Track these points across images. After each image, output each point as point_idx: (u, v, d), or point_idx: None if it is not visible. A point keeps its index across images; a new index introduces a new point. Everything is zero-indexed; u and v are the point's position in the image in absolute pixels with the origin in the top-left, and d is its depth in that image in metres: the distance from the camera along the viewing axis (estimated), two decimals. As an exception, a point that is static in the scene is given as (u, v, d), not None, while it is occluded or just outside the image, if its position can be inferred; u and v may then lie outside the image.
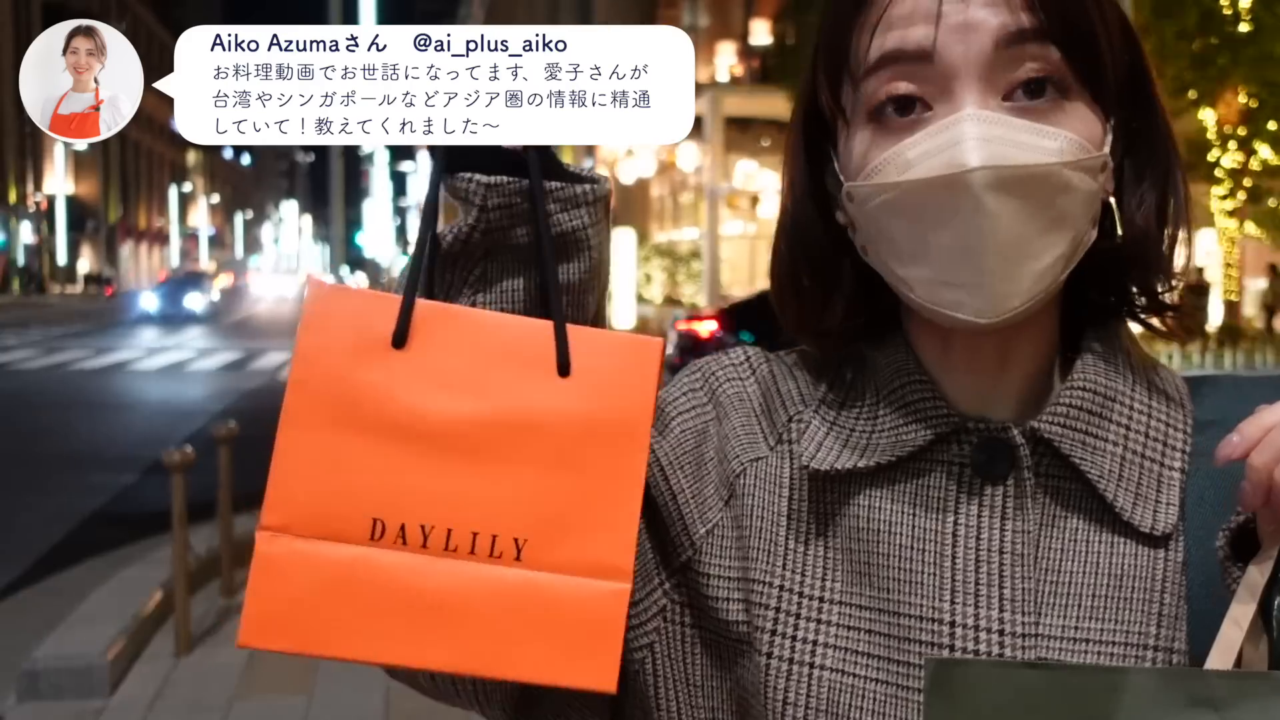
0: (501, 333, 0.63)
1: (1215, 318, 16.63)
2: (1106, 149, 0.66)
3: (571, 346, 0.63)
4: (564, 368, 0.62)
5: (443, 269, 0.68)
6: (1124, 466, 0.68)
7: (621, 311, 22.85)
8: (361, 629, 0.59)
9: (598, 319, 0.71)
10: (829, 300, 0.74)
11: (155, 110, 74.98)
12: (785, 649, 0.69)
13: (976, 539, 0.67)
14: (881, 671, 0.67)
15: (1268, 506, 0.59)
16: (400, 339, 0.62)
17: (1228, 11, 13.82)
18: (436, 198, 0.66)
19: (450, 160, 0.66)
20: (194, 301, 30.49)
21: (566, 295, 0.67)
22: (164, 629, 4.71)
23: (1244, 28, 13.91)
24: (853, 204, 0.68)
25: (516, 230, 0.67)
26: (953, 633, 0.66)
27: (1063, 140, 0.63)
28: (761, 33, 20.17)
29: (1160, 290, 0.71)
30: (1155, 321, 0.72)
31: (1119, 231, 0.69)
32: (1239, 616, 0.58)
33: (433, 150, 0.66)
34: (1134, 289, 0.71)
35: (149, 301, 30.19)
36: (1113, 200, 0.69)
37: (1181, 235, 0.71)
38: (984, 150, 0.62)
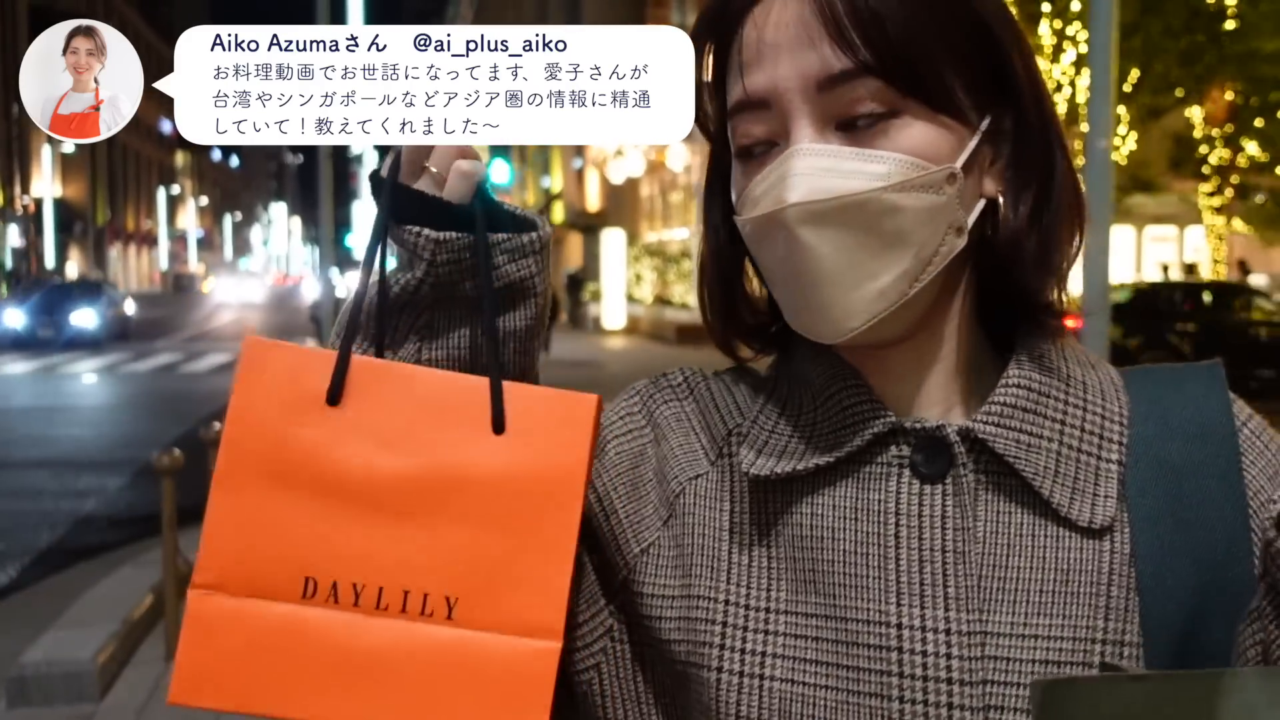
0: (437, 389, 0.63)
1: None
2: (961, 158, 0.67)
3: (507, 403, 0.63)
4: (498, 424, 0.63)
5: (389, 316, 0.69)
6: (1060, 462, 0.68)
7: (612, 311, 22.86)
8: (293, 687, 0.60)
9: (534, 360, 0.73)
10: (756, 319, 0.77)
11: (144, 112, 74.37)
12: (735, 663, 0.69)
13: (919, 539, 0.67)
14: (830, 678, 0.67)
15: None
16: (334, 396, 0.62)
17: (1214, 8, 13.89)
18: (379, 247, 0.67)
19: (396, 208, 0.68)
20: (84, 319, 21.37)
21: (514, 343, 0.70)
22: (154, 633, 4.68)
23: (1230, 25, 13.98)
24: (745, 235, 0.71)
25: (464, 283, 0.69)
26: (899, 634, 0.66)
27: (891, 163, 0.65)
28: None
29: (1038, 288, 0.71)
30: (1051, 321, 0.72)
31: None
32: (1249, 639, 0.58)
33: (376, 197, 0.68)
34: (1017, 286, 0.71)
35: (13, 318, 21.08)
36: (1002, 199, 0.70)
37: (1067, 234, 0.71)
38: (802, 185, 0.64)
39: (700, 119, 0.73)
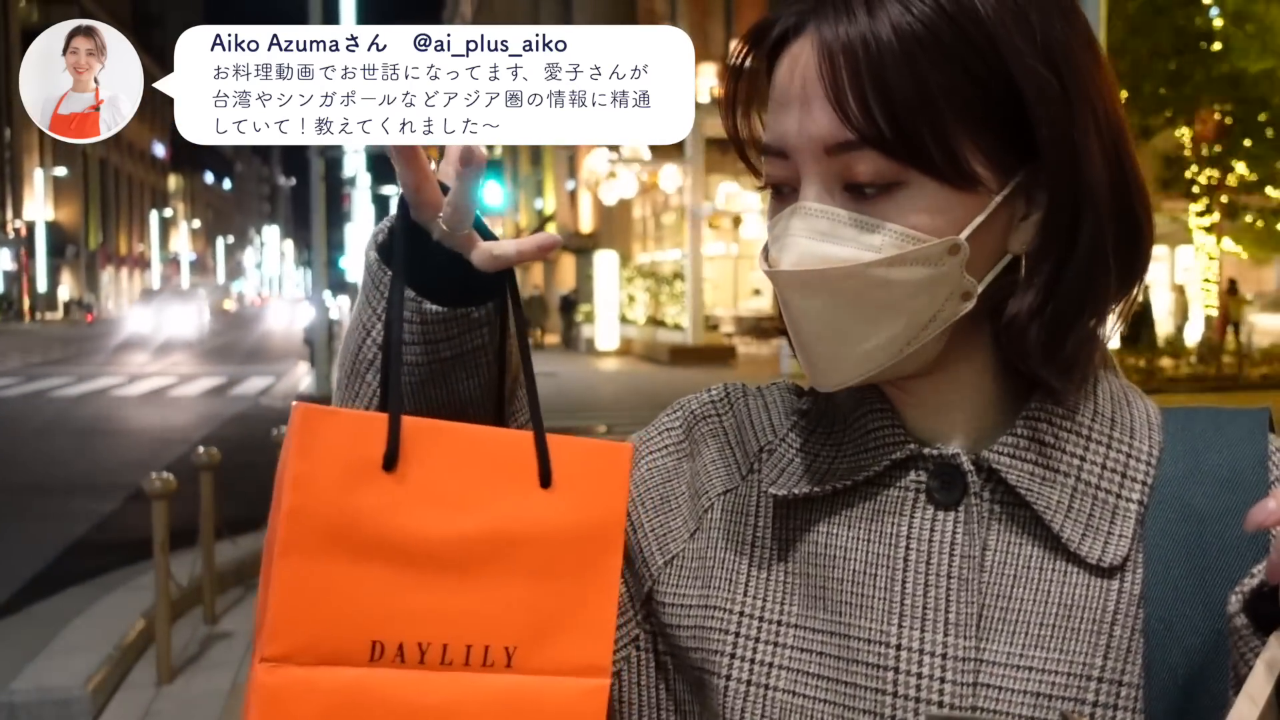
0: (485, 446, 0.66)
1: (1195, 332, 16.76)
2: (968, 229, 0.64)
3: (550, 456, 0.66)
4: (545, 479, 0.66)
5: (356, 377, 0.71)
6: (1075, 497, 0.68)
7: (605, 333, 22.88)
8: None
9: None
10: None
11: (136, 136, 74.86)
12: (743, 672, 0.71)
13: (927, 564, 0.68)
14: (830, 692, 0.68)
15: None
16: (390, 461, 0.63)
17: (1200, 29, 14.03)
18: (372, 304, 0.69)
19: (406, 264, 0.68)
20: None
21: (470, 409, 0.71)
22: (146, 658, 4.65)
23: (1216, 46, 14.12)
24: None
25: (414, 349, 0.69)
26: (897, 655, 0.67)
27: (886, 235, 0.64)
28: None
29: (1045, 373, 0.68)
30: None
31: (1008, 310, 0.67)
32: (1255, 693, 0.56)
33: (387, 263, 0.68)
34: (1025, 356, 0.68)
35: None
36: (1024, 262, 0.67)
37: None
38: (795, 249, 0.65)
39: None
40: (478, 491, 0.64)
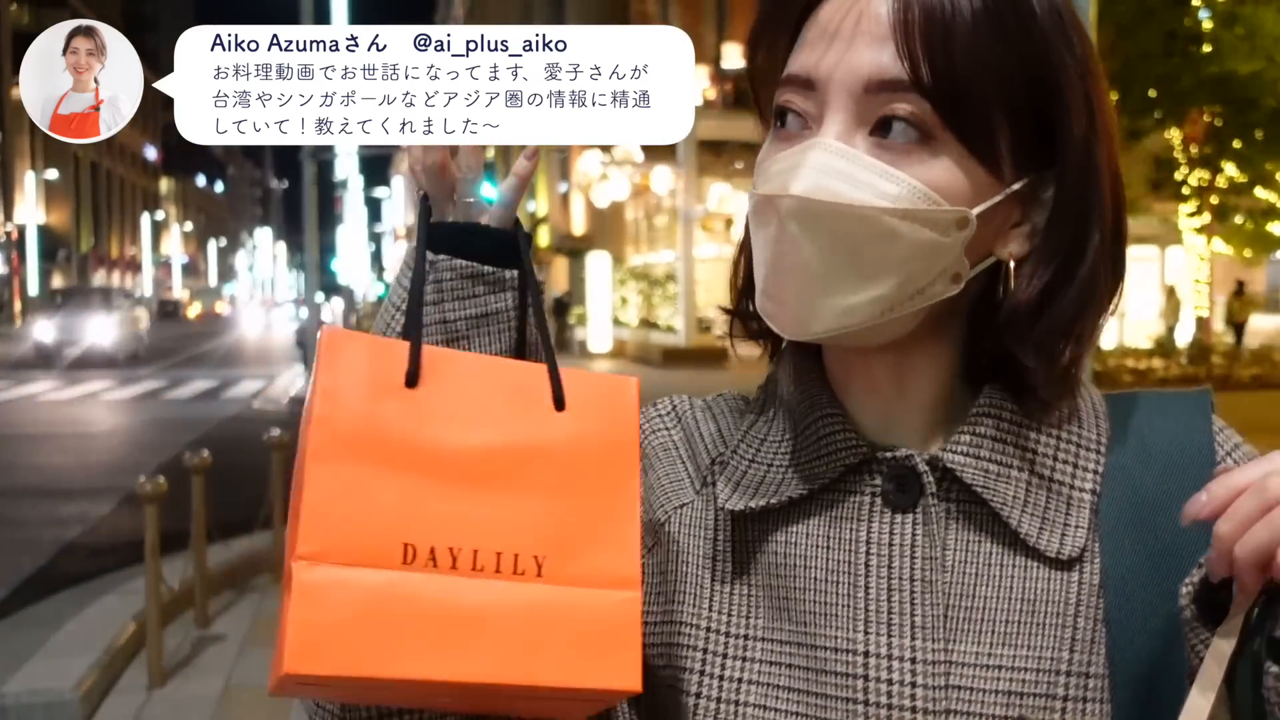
0: (500, 373, 0.68)
1: (1186, 333, 16.83)
2: (980, 207, 0.64)
3: (563, 384, 0.68)
4: (559, 402, 0.68)
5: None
6: (1030, 491, 0.67)
7: (598, 334, 22.88)
8: (401, 649, 0.61)
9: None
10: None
11: (128, 139, 74.63)
12: (712, 689, 0.70)
13: (888, 568, 0.67)
14: (801, 705, 0.68)
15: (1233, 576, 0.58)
16: (413, 379, 0.65)
17: (1189, 31, 14.08)
18: (423, 263, 0.71)
19: (433, 238, 0.72)
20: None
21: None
22: (137, 661, 4.62)
23: (1205, 48, 14.17)
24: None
25: (444, 305, 0.72)
26: (866, 663, 0.66)
27: (905, 187, 0.63)
28: (734, 56, 20.36)
29: (1034, 373, 0.67)
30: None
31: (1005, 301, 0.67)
32: (1206, 686, 0.57)
33: (421, 214, 0.72)
34: (1006, 350, 0.68)
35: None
36: (1013, 266, 0.67)
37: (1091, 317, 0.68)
38: (809, 180, 0.63)
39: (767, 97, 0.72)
40: (496, 410, 0.67)
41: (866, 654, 0.66)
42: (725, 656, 0.70)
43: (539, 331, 0.73)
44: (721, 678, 0.70)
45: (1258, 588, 0.57)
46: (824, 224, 0.63)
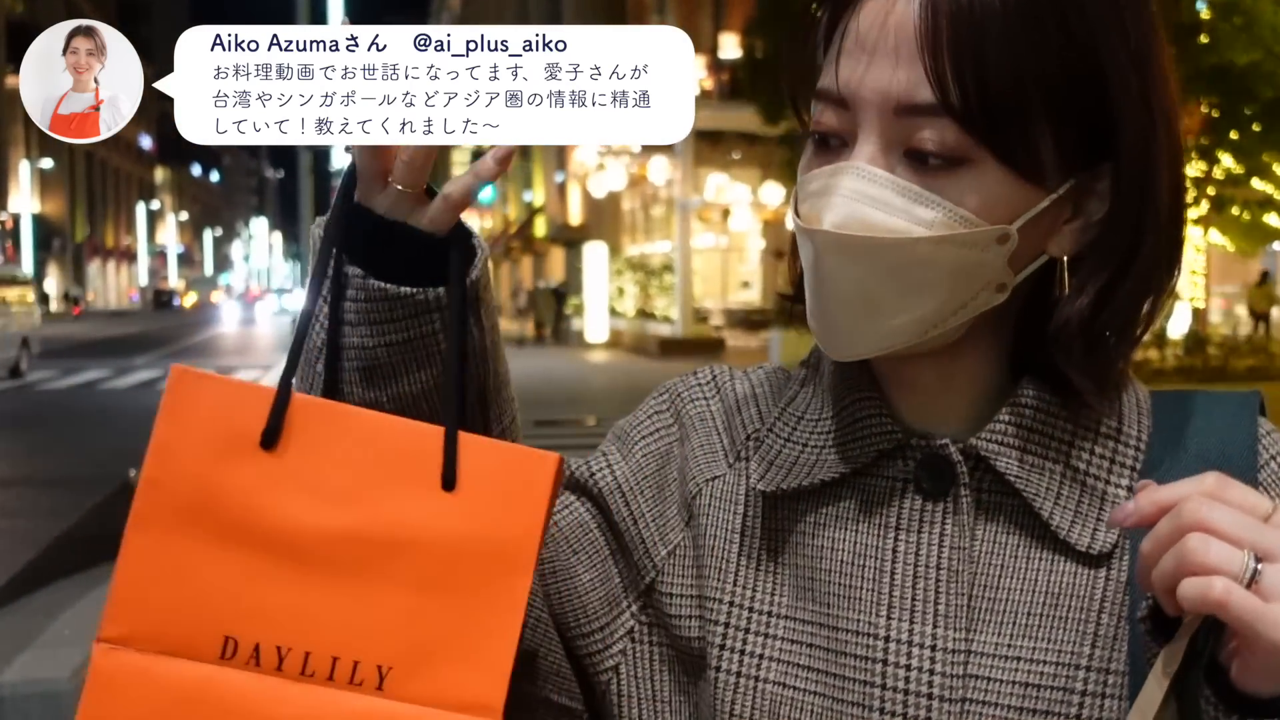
0: (385, 436, 0.59)
1: (1182, 325, 16.86)
2: (1021, 220, 0.63)
3: (461, 457, 0.58)
4: (449, 481, 0.58)
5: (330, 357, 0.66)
6: (1063, 485, 0.67)
7: (594, 325, 22.85)
8: None
9: (484, 393, 0.69)
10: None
11: (122, 129, 74.19)
12: (733, 663, 0.70)
13: (915, 555, 0.67)
14: (820, 685, 0.68)
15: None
16: (270, 439, 0.57)
17: (1187, 22, 14.06)
18: (320, 287, 0.64)
19: (347, 239, 0.65)
20: None
21: (422, 404, 0.65)
22: (136, 651, 4.63)
23: (1203, 39, 14.16)
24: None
25: (360, 330, 0.65)
26: (886, 647, 0.66)
27: (940, 212, 0.62)
28: (731, 46, 20.31)
29: (1083, 376, 0.67)
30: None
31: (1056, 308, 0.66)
32: (1145, 706, 0.56)
33: (326, 234, 0.64)
34: (1055, 355, 0.67)
35: None
36: (1066, 265, 0.66)
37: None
38: (841, 209, 0.62)
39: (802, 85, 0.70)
40: (367, 484, 0.57)
41: (887, 639, 0.66)
42: (747, 631, 0.70)
43: (446, 380, 0.63)
44: (742, 652, 0.70)
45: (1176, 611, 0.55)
46: (858, 255, 0.63)
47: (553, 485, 0.59)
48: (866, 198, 0.62)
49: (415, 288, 0.64)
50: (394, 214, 0.65)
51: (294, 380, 0.62)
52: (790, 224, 0.68)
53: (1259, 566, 0.52)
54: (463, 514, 0.58)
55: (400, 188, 0.64)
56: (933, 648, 0.66)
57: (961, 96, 0.61)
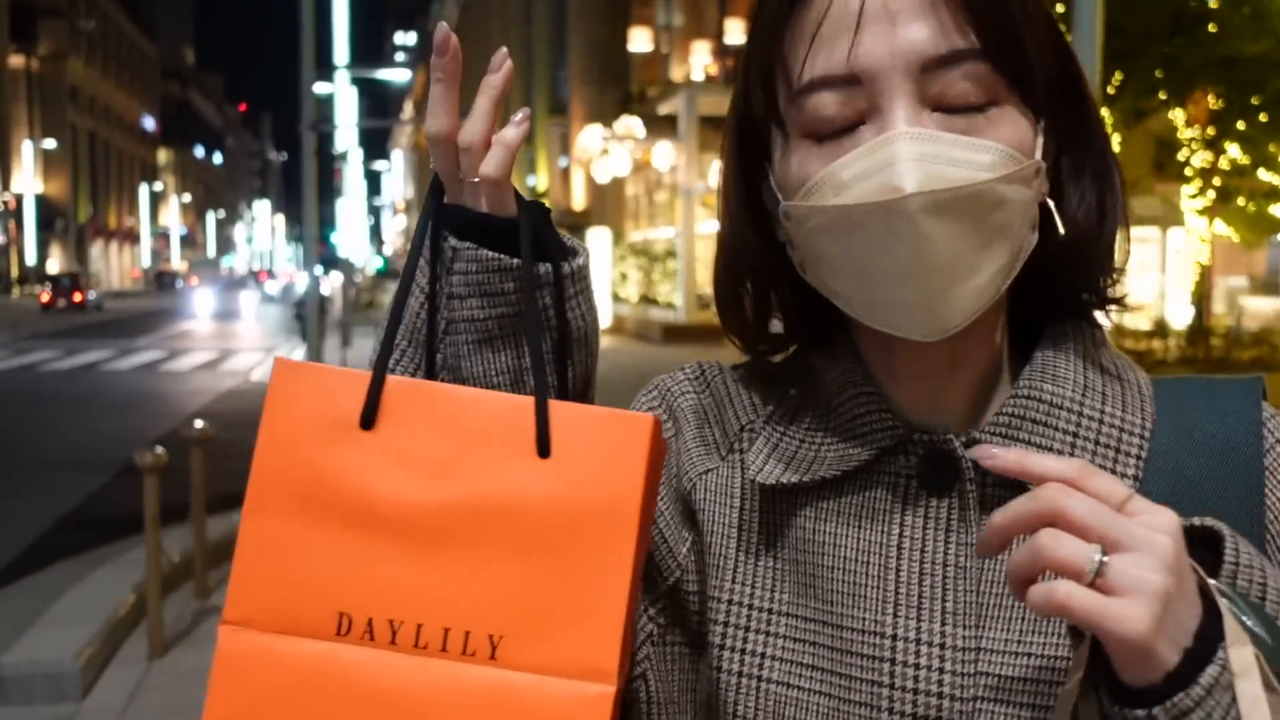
0: (477, 410, 0.59)
1: (1184, 316, 16.83)
2: (1039, 154, 0.65)
3: (554, 424, 0.58)
4: (544, 448, 0.58)
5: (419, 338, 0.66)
6: None
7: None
8: None
9: (587, 387, 0.69)
10: (768, 315, 0.75)
11: (125, 109, 74.19)
12: (735, 663, 0.69)
13: (920, 552, 0.66)
14: (825, 684, 0.67)
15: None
16: (368, 420, 0.58)
17: (1195, 11, 13.96)
18: (418, 257, 0.65)
19: (446, 221, 0.65)
20: None
21: (530, 377, 0.65)
22: (137, 632, 4.65)
23: (1211, 28, 14.07)
24: (790, 222, 0.67)
25: (470, 301, 0.65)
26: (894, 646, 0.65)
27: (995, 153, 0.62)
28: (736, 32, 20.21)
29: (1105, 285, 0.70)
30: (1101, 316, 0.72)
31: (1060, 231, 0.67)
32: (1070, 689, 0.56)
33: (424, 217, 0.65)
34: (1078, 287, 0.70)
35: None
36: (1049, 201, 0.67)
37: (1120, 230, 0.70)
38: (918, 172, 0.60)
39: (746, 102, 0.69)
40: (465, 457, 0.58)
41: (894, 637, 0.65)
42: (747, 630, 0.69)
43: (530, 346, 0.62)
44: (743, 652, 0.69)
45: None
46: (952, 212, 0.61)
47: (650, 446, 0.59)
48: (931, 157, 0.61)
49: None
50: (478, 207, 0.65)
51: (392, 364, 0.64)
52: (816, 220, 0.64)
53: (1105, 559, 0.52)
54: (560, 479, 0.58)
55: (473, 180, 0.64)
56: (942, 645, 0.65)
57: (994, 37, 0.62)
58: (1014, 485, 0.66)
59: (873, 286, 0.64)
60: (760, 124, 0.69)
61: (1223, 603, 0.53)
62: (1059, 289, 0.70)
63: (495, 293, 0.65)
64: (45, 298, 35.44)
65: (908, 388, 0.70)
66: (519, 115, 0.65)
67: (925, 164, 0.61)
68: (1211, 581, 0.54)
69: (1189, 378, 0.72)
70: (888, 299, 0.64)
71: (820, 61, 0.64)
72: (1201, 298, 17.14)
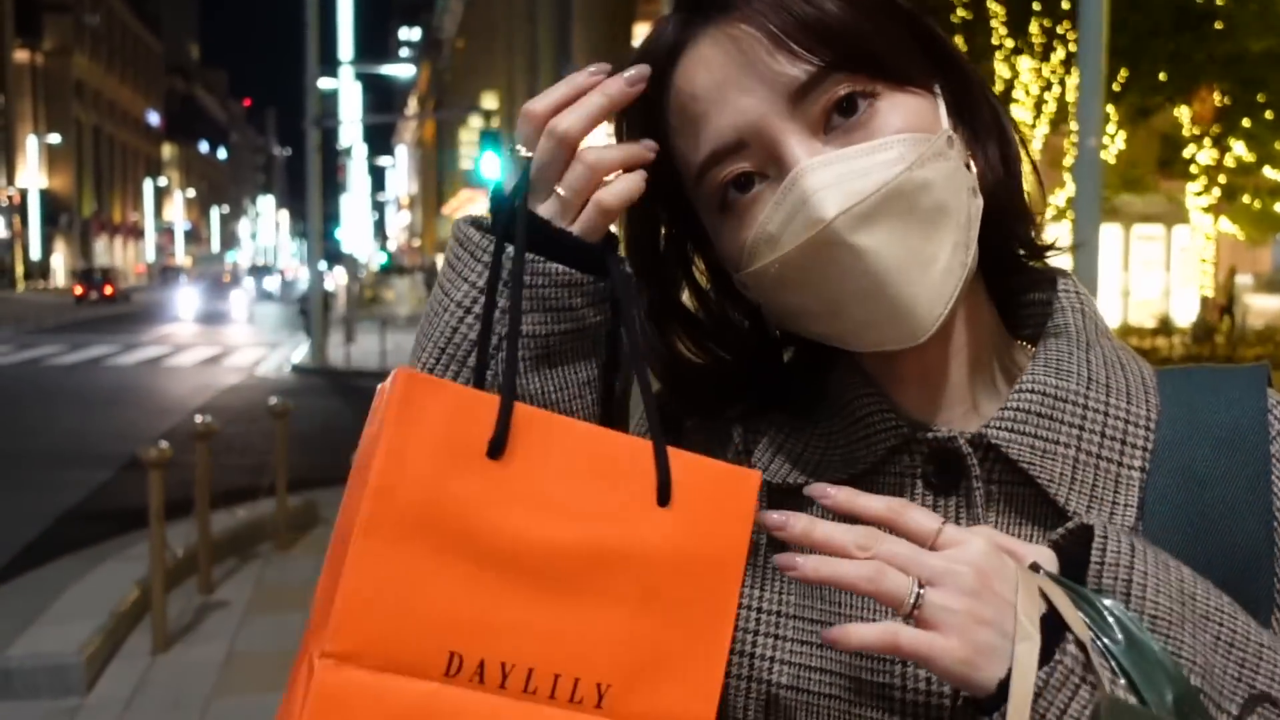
0: (597, 449, 0.58)
1: (1189, 313, 16.79)
2: (944, 120, 0.66)
3: (672, 472, 0.58)
4: (664, 496, 0.58)
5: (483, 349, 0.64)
6: (1077, 469, 0.66)
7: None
8: None
9: (625, 399, 0.70)
10: (746, 380, 0.75)
11: (130, 104, 74.27)
12: (742, 668, 0.68)
13: None
14: (835, 688, 0.67)
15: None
16: (497, 449, 0.55)
17: (1202, 7, 13.91)
18: (521, 271, 0.62)
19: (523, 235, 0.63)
20: None
21: (582, 397, 0.66)
22: (141, 626, 4.66)
23: (1217, 25, 14.02)
24: (750, 290, 0.69)
25: (533, 316, 0.64)
26: None
27: (897, 145, 0.63)
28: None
29: (1027, 235, 0.71)
30: (1037, 264, 0.73)
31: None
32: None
33: (496, 214, 0.65)
34: (1010, 242, 0.71)
35: None
36: (972, 161, 0.68)
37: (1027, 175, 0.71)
38: (833, 196, 0.62)
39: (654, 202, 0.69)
40: (587, 498, 0.56)
41: None
42: (756, 634, 0.69)
43: (637, 375, 0.62)
44: (750, 655, 0.68)
45: None
46: (880, 217, 0.62)
47: (755, 500, 0.60)
48: (839, 176, 0.62)
49: (591, 274, 0.64)
50: (556, 221, 0.65)
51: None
52: (770, 274, 0.65)
53: (922, 592, 0.57)
54: (677, 529, 0.58)
55: (564, 194, 0.64)
56: None
57: (826, 47, 0.63)
58: (1018, 482, 0.67)
59: (844, 316, 0.65)
60: (675, 227, 0.72)
61: (1059, 599, 0.57)
62: (994, 248, 0.70)
63: (561, 308, 0.64)
64: (79, 291, 37.55)
65: (910, 388, 0.70)
66: (650, 141, 0.66)
67: (837, 185, 0.62)
68: (1041, 579, 0.58)
69: (1193, 367, 0.72)
70: (863, 321, 0.64)
71: (704, 145, 0.66)
72: (1230, 298, 17.06)
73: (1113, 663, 0.55)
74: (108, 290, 37.23)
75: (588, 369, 0.66)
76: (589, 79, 0.66)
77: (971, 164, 0.67)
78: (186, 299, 35.69)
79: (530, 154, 0.65)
